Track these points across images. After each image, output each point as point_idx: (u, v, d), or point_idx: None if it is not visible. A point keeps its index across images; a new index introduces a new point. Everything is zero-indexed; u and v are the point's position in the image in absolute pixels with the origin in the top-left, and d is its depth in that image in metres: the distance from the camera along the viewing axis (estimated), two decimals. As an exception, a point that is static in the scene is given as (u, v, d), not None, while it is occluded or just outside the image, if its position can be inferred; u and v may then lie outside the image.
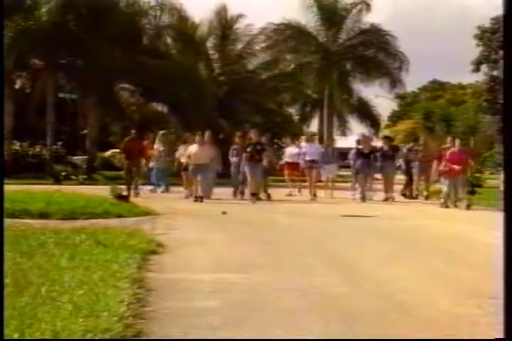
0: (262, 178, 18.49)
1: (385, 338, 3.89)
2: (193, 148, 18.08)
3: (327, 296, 6.24)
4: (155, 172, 21.07)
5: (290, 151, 22.11)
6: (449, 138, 18.94)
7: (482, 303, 5.95)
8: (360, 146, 19.66)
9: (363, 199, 18.70)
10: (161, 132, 22.37)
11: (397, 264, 8.21)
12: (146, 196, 18.91)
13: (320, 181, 20.58)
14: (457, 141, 17.82)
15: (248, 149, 18.22)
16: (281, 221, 13.52)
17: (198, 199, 17.59)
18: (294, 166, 21.34)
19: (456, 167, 16.96)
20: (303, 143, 21.73)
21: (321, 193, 20.27)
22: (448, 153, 17.36)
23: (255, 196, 18.05)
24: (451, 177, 17.01)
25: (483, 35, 40.70)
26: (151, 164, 20.89)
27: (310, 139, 22.03)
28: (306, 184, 20.86)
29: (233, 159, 19.25)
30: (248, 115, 37.16)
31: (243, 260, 8.34)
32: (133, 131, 20.40)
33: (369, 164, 19.12)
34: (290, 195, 20.83)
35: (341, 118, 44.80)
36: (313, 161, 20.05)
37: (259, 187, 18.42)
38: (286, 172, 21.97)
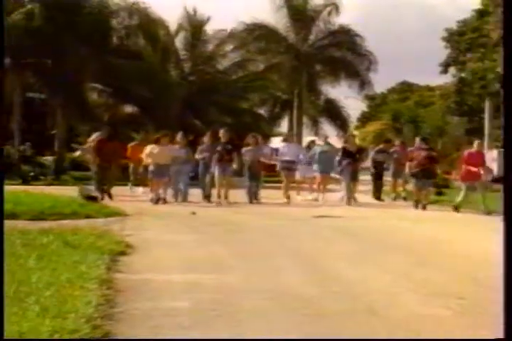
0: (231, 180, 17.96)
1: (384, 338, 3.88)
2: (154, 148, 17.47)
3: (296, 297, 6.24)
4: None
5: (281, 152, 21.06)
6: (417, 139, 18.91)
7: (450, 303, 5.99)
8: (346, 145, 18.91)
9: (349, 202, 17.90)
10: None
11: (366, 265, 8.24)
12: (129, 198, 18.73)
13: (294, 182, 20.10)
14: (475, 142, 17.65)
15: (218, 149, 17.51)
16: (252, 222, 13.51)
17: (161, 200, 17.10)
18: (268, 167, 20.81)
19: (474, 169, 16.54)
20: (281, 143, 21.16)
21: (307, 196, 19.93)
22: (466, 154, 17.03)
23: (222, 198, 17.51)
24: (472, 180, 16.56)
25: (451, 38, 41.02)
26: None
27: (288, 139, 21.32)
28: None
29: (200, 156, 18.18)
30: (218, 115, 37.10)
31: (212, 260, 8.33)
32: (100, 133, 19.60)
33: (355, 164, 18.42)
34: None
35: (311, 119, 44.98)
36: (290, 162, 19.25)
37: (227, 189, 17.70)
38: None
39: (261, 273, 7.54)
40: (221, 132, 18.08)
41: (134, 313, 5.42)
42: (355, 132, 52.09)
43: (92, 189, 17.15)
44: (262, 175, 18.95)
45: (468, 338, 3.77)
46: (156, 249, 9.27)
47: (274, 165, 20.29)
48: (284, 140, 21.15)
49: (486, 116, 38.42)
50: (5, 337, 3.48)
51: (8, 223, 11.17)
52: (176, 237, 10.65)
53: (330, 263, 8.34)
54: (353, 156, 18.29)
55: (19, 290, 5.59)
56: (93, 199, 15.69)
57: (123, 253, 8.45)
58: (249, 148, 18.29)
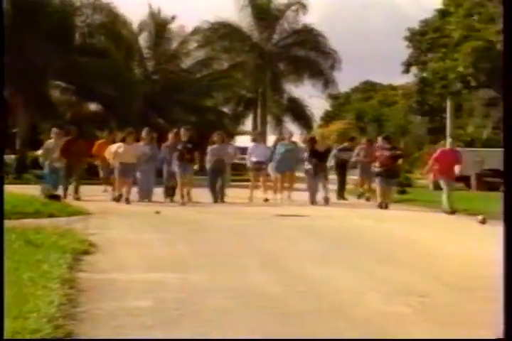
0: (191, 178, 17.48)
1: (384, 338, 3.86)
2: (120, 147, 17.05)
3: (260, 296, 6.24)
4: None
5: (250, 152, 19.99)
6: (379, 139, 18.65)
7: (411, 301, 6.03)
8: (315, 145, 18.13)
9: (313, 202, 17.48)
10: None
11: (330, 264, 8.27)
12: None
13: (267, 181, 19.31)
14: (449, 141, 17.63)
15: (178, 147, 17.17)
16: (217, 221, 13.50)
17: (123, 199, 16.76)
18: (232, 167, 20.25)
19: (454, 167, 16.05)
20: (250, 143, 20.29)
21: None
22: (439, 152, 16.67)
23: (184, 198, 17.05)
24: (449, 179, 16.11)
25: (413, 37, 41.26)
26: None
27: (257, 139, 20.45)
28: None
29: (161, 155, 17.85)
30: (182, 114, 37.02)
31: (176, 260, 8.31)
32: (54, 130, 18.71)
33: (324, 164, 17.90)
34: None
35: (275, 118, 45.06)
36: (259, 163, 18.73)
37: (189, 188, 17.33)
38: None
39: (225, 272, 7.53)
40: (181, 131, 17.68)
41: (96, 313, 5.38)
42: (319, 131, 52.28)
43: (48, 187, 16.75)
44: (226, 173, 18.51)
45: (468, 338, 3.75)
46: (120, 248, 9.23)
47: (238, 164, 20.14)
48: (253, 140, 20.35)
49: (448, 115, 38.72)
50: (5, 337, 3.43)
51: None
52: (140, 236, 10.61)
53: (294, 263, 8.36)
54: (321, 156, 17.79)
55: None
56: (56, 198, 15.56)
57: (86, 253, 8.39)
58: (214, 146, 18.03)
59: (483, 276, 7.53)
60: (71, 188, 17.85)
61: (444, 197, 15.87)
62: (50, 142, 17.79)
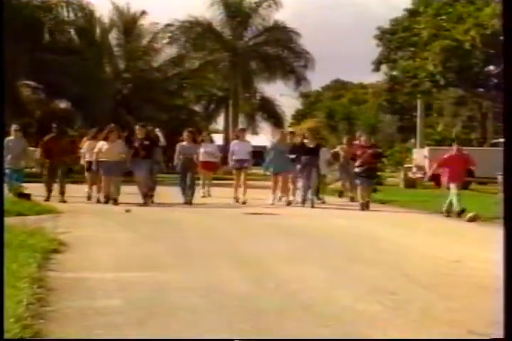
0: (149, 177, 16.54)
1: (384, 338, 3.84)
2: (103, 145, 16.34)
3: (231, 294, 6.24)
4: None
5: (204, 149, 19.02)
6: (362, 137, 17.69)
7: (382, 299, 6.07)
8: (305, 140, 17.11)
9: (304, 202, 16.58)
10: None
11: (300, 262, 8.30)
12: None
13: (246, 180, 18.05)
14: (455, 146, 16.47)
15: (134, 145, 16.34)
16: (188, 220, 13.47)
17: (111, 200, 16.04)
18: (209, 165, 19.38)
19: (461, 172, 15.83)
20: (232, 141, 19.16)
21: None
22: (447, 156, 15.94)
23: (146, 197, 16.23)
24: (459, 182, 15.43)
25: (383, 36, 41.41)
26: None
27: (239, 135, 18.98)
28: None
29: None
30: (153, 112, 36.85)
31: (147, 259, 8.28)
32: (14, 127, 17.64)
33: (315, 161, 16.79)
34: (204, 196, 19.02)
35: (247, 116, 45.10)
36: (242, 161, 17.73)
37: (148, 186, 16.42)
38: (201, 171, 19.15)
39: (195, 270, 7.53)
40: (136, 128, 16.96)
41: (66, 312, 5.35)
42: (291, 129, 52.31)
43: (24, 186, 16.47)
44: (196, 172, 17.91)
45: (468, 338, 3.74)
46: (91, 246, 9.18)
47: (213, 164, 19.52)
48: (236, 137, 19.11)
49: (418, 114, 38.95)
50: (5, 337, 3.38)
51: None
52: (111, 235, 10.56)
53: (265, 261, 8.37)
54: (312, 153, 16.72)
55: None
56: (25, 196, 15.40)
57: (56, 252, 8.33)
58: (183, 144, 17.32)
59: (450, 274, 7.60)
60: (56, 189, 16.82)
61: (454, 199, 15.11)
62: (9, 139, 17.24)
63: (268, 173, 18.18)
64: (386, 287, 6.65)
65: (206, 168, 19.26)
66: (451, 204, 15.09)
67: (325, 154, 18.26)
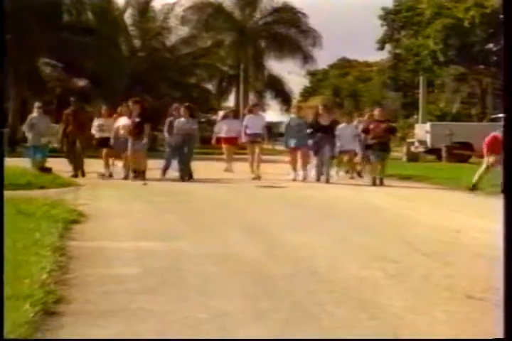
0: (143, 154, 15.65)
1: (383, 338, 3.83)
2: (124, 121, 15.65)
3: (242, 261, 6.26)
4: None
5: (228, 126, 18.30)
6: (377, 110, 16.66)
7: (385, 266, 6.08)
8: (319, 118, 15.91)
9: (319, 179, 15.60)
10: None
11: (308, 231, 8.31)
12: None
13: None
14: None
15: (126, 122, 15.57)
16: (201, 192, 13.48)
17: (140, 175, 15.30)
18: (232, 141, 18.20)
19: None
20: (246, 116, 18.08)
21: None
22: (491, 138, 14.15)
23: (137, 173, 15.40)
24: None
25: (387, 16, 41.12)
26: None
27: (253, 110, 18.19)
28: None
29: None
30: (167, 90, 36.83)
31: (162, 228, 8.30)
32: (37, 105, 17.34)
33: (329, 138, 15.65)
34: (227, 170, 18.01)
35: (257, 94, 44.94)
36: (255, 135, 16.90)
37: (140, 163, 15.58)
38: (224, 147, 18.45)
39: (208, 239, 7.55)
40: (130, 104, 15.82)
41: (86, 279, 5.38)
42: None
43: (46, 160, 16.40)
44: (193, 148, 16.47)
45: (468, 338, 3.73)
46: (109, 217, 9.20)
47: (235, 139, 18.06)
48: (249, 111, 18.14)
49: (420, 91, 38.72)
50: (5, 337, 3.35)
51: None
52: (128, 206, 10.60)
53: (274, 230, 8.38)
54: (326, 130, 15.64)
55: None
56: (47, 170, 15.44)
57: (76, 222, 8.36)
58: (181, 119, 15.88)
59: (449, 242, 7.60)
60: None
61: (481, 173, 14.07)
62: (33, 116, 17.11)
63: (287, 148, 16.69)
64: (388, 255, 6.65)
65: (229, 143, 18.28)
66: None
67: (353, 130, 16.98)
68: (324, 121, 15.78)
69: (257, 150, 16.88)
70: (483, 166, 14.15)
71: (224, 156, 18.84)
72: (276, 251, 6.83)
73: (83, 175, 16.13)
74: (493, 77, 35.38)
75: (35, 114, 17.06)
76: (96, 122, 16.63)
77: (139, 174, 15.45)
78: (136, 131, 15.28)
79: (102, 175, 16.17)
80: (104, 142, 16.25)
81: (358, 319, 4.43)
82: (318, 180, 15.75)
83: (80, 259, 6.13)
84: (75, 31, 32.72)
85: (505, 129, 4.10)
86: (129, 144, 15.39)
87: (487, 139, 14.32)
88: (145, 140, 15.50)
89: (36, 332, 3.92)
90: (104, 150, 16.32)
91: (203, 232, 8.10)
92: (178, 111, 16.39)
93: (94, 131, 16.59)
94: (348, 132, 16.68)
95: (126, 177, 15.58)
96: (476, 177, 14.03)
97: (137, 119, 15.37)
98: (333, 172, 16.41)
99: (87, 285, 5.19)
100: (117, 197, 11.99)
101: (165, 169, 16.04)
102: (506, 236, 2.93)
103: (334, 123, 16.22)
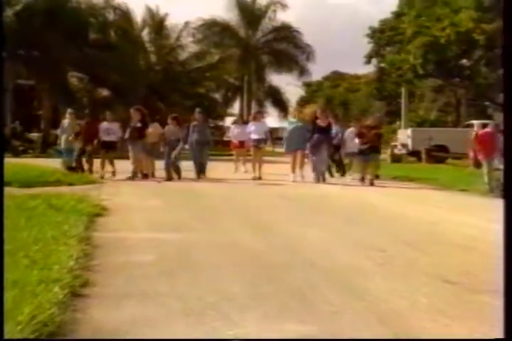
0: (145, 156, 15.29)
1: (384, 338, 3.80)
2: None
3: (246, 251, 6.26)
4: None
5: (237, 130, 18.44)
6: (374, 117, 16.58)
7: (372, 255, 6.07)
8: (318, 120, 15.20)
9: (318, 179, 14.89)
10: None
11: (305, 224, 8.30)
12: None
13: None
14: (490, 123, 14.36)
15: (129, 127, 15.38)
16: (209, 190, 13.48)
17: (148, 175, 15.23)
18: (240, 144, 17.94)
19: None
20: (250, 122, 17.48)
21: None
22: (483, 133, 13.83)
23: (136, 173, 15.13)
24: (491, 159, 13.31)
25: (374, 35, 41.14)
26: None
27: (256, 117, 17.81)
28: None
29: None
30: (180, 99, 36.83)
31: (175, 222, 8.29)
32: (70, 111, 17.12)
33: (326, 139, 15.12)
34: (237, 170, 18.06)
35: (258, 102, 44.96)
36: (258, 140, 16.29)
37: (144, 165, 15.37)
38: (234, 149, 18.71)
39: (216, 232, 7.54)
40: (131, 112, 15.60)
41: (108, 265, 5.38)
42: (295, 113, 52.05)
43: (67, 161, 16.22)
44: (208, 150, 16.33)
45: (468, 338, 3.69)
46: (128, 211, 9.18)
47: (243, 143, 17.53)
48: (253, 118, 17.66)
49: (403, 100, 38.70)
50: (5, 337, 3.34)
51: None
52: (145, 202, 10.59)
53: (274, 223, 8.37)
54: (324, 132, 15.04)
55: (12, 246, 5.49)
56: (73, 169, 15.41)
57: (99, 215, 8.36)
58: (170, 127, 15.50)
59: (431, 233, 7.59)
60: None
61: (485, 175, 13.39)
62: (65, 122, 17.05)
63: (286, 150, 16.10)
64: (375, 245, 6.64)
65: (239, 146, 18.15)
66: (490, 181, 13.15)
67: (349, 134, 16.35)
68: (322, 122, 15.15)
69: (259, 154, 16.27)
70: (485, 169, 13.34)
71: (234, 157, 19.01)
72: (275, 242, 6.81)
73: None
74: (467, 88, 35.47)
75: (67, 119, 16.90)
76: (103, 126, 16.03)
77: (147, 175, 15.20)
78: (137, 134, 15.07)
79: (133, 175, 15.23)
80: (110, 145, 15.75)
81: (348, 300, 4.44)
82: (318, 180, 14.93)
83: (103, 248, 6.13)
84: (99, 48, 32.88)
85: (506, 130, 3.99)
86: (130, 146, 15.23)
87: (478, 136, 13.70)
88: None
89: (65, 313, 3.92)
90: (107, 153, 15.75)
91: (209, 224, 8.09)
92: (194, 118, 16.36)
93: (101, 134, 15.91)
94: (352, 136, 16.12)
95: (132, 178, 14.93)
96: (486, 181, 13.18)
97: (138, 124, 15.19)
98: (348, 179, 15.85)
99: (109, 271, 5.19)
100: (135, 194, 11.97)
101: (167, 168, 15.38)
102: (506, 236, 2.76)
103: (330, 125, 15.52)
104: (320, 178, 15.06)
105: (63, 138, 16.49)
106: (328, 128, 15.33)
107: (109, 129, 15.88)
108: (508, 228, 2.83)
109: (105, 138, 15.84)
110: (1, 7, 5.99)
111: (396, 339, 3.68)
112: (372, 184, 14.41)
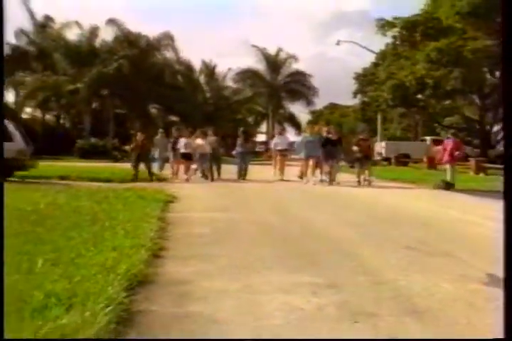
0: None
1: (383, 338, 3.45)
2: (199, 141, 14.47)
3: (271, 225, 6.22)
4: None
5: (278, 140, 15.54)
6: (366, 133, 15.76)
7: (356, 229, 6.00)
8: (329, 135, 13.73)
9: (331, 182, 13.14)
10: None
11: (311, 209, 8.24)
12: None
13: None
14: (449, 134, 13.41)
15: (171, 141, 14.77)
16: (246, 186, 13.44)
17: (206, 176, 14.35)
18: (280, 152, 15.22)
19: (456, 154, 12.17)
20: (275, 136, 16.23)
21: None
22: (445, 142, 12.70)
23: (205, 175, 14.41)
24: (453, 163, 12.25)
25: (358, 78, 40.92)
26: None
27: (281, 132, 16.34)
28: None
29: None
30: (225, 123, 37.03)
31: (222, 206, 8.29)
32: (161, 130, 16.13)
33: (336, 150, 13.53)
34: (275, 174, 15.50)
35: (279, 124, 45.08)
36: (282, 150, 14.90)
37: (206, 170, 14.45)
38: (275, 157, 15.55)
39: (250, 212, 7.52)
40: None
41: (177, 236, 5.38)
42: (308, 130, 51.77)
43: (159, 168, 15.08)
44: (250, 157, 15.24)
45: (468, 338, 3.01)
46: (190, 199, 9.20)
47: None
48: (279, 133, 16.15)
49: (379, 122, 38.47)
50: (5, 337, 2.57)
51: (105, 185, 11.13)
52: (202, 193, 10.62)
53: (291, 208, 8.32)
54: (334, 144, 13.51)
55: (112, 223, 5.56)
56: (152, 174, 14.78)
57: (170, 202, 8.39)
58: (239, 141, 14.90)
59: (402, 214, 7.48)
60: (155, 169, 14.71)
61: (448, 175, 12.22)
62: (156, 138, 15.61)
63: (300, 157, 14.07)
64: (359, 222, 6.57)
65: (280, 154, 15.46)
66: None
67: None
68: (333, 137, 13.81)
69: (283, 161, 14.91)
70: (449, 169, 12.18)
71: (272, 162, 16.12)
72: (292, 220, 6.77)
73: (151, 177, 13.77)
74: (422, 115, 35.45)
75: (158, 136, 15.90)
76: (182, 142, 14.69)
77: (208, 176, 14.36)
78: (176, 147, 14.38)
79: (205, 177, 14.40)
80: (187, 155, 14.47)
81: (340, 260, 4.39)
82: (331, 183, 13.13)
83: (173, 224, 6.13)
84: (171, 88, 33.39)
85: (506, 130, 3.39)
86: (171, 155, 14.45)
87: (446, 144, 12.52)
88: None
89: (148, 268, 3.89)
90: (185, 161, 14.48)
91: (245, 208, 8.08)
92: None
93: (181, 147, 14.54)
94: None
95: (187, 180, 13.92)
96: (449, 178, 12.07)
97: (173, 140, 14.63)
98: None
99: (178, 239, 5.18)
100: (195, 188, 12.01)
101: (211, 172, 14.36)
102: (506, 236, 2.12)
103: (340, 139, 14.02)
104: (329, 180, 13.38)
105: (155, 150, 15.33)
106: (339, 141, 13.90)
107: (187, 144, 14.57)
108: (508, 228, 2.20)
109: (184, 150, 14.46)
110: (1, 7, 4.77)
111: (396, 339, 2.77)
112: (369, 184, 13.10)
